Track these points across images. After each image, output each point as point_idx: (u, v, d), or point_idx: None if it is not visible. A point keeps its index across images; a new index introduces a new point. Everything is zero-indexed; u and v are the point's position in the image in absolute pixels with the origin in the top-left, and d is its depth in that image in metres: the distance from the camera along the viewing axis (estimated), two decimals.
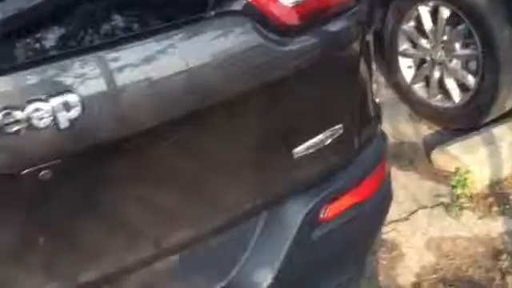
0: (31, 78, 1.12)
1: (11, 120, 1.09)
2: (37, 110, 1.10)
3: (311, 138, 1.53)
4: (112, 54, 1.19)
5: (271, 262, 1.57)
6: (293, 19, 1.37)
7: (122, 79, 1.19)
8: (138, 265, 1.43)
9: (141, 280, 1.48)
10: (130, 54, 1.21)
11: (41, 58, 1.17)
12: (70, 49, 1.21)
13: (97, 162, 1.23)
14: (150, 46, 1.23)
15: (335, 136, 1.55)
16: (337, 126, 1.55)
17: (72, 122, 1.13)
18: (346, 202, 1.65)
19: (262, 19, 1.34)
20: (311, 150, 1.53)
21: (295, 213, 1.59)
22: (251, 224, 1.58)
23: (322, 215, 1.63)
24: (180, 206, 1.41)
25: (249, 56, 1.34)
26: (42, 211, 1.21)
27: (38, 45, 1.21)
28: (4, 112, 1.08)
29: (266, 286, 1.56)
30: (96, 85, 1.16)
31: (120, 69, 1.19)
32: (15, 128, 1.09)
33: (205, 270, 1.55)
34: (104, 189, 1.27)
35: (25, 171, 1.13)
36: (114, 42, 1.22)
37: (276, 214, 1.59)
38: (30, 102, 1.10)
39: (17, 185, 1.15)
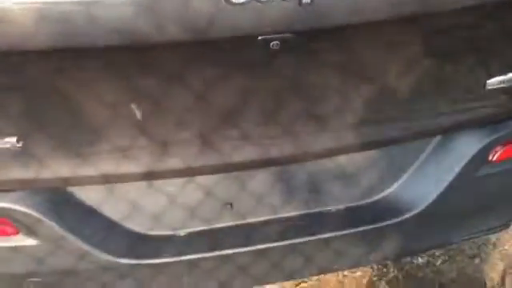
0: None
1: None
2: None
3: (506, 72, 1.51)
4: None
5: (434, 186, 1.60)
6: None
7: None
8: (309, 155, 1.49)
9: (309, 170, 1.57)
10: None
11: None
12: None
13: (320, 45, 1.30)
14: None
15: None
16: None
17: None
18: None
19: None
20: (502, 86, 1.52)
21: (468, 145, 1.61)
22: (423, 144, 1.61)
23: (492, 155, 1.63)
24: (366, 106, 1.45)
25: None
26: (260, 77, 1.32)
27: None
28: None
29: (423, 207, 1.60)
30: None
31: None
32: None
33: (370, 177, 1.60)
34: (316, 71, 1.35)
35: (260, 37, 1.23)
36: None
37: (449, 141, 1.62)
38: None
39: (250, 48, 1.25)
